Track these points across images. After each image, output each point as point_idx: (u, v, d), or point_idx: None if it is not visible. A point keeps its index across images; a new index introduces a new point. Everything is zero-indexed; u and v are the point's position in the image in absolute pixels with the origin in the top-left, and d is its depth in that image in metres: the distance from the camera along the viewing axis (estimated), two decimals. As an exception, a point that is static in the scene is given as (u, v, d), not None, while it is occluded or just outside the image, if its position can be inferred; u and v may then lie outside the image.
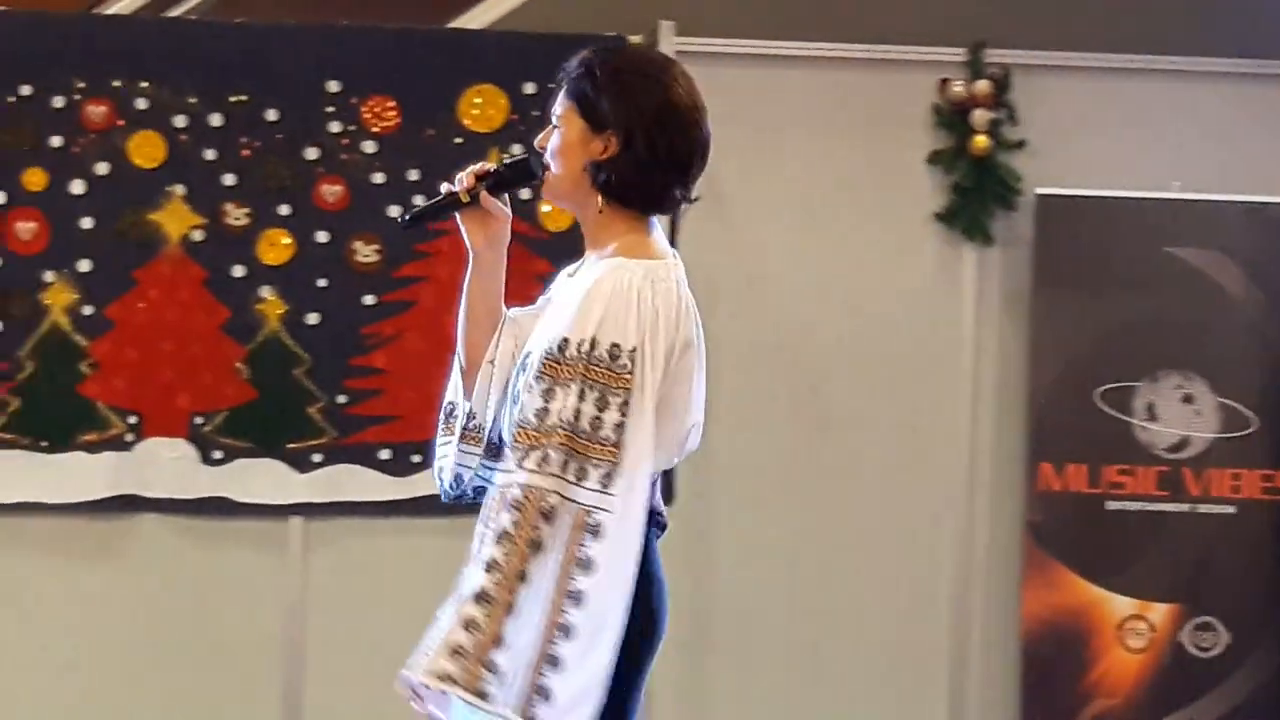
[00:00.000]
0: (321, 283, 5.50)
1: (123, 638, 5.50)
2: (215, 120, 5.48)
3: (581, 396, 3.07)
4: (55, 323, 5.43)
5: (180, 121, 5.46)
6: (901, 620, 5.77)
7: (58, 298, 5.43)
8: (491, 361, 3.27)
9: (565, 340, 3.10)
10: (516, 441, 3.09)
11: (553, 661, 3.03)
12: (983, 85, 5.75)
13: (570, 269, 3.29)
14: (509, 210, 3.32)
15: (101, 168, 5.43)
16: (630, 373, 3.08)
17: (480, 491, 3.29)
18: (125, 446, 5.44)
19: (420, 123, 5.53)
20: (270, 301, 5.50)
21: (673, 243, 5.47)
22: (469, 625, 3.04)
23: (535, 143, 3.26)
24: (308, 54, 5.52)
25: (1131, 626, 5.71)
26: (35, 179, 5.41)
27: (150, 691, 5.51)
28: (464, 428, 3.27)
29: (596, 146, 3.19)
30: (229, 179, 5.49)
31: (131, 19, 6.08)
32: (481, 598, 3.04)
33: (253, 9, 6.31)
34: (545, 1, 5.99)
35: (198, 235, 5.48)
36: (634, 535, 3.08)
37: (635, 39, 5.58)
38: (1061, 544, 5.70)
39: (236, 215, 5.50)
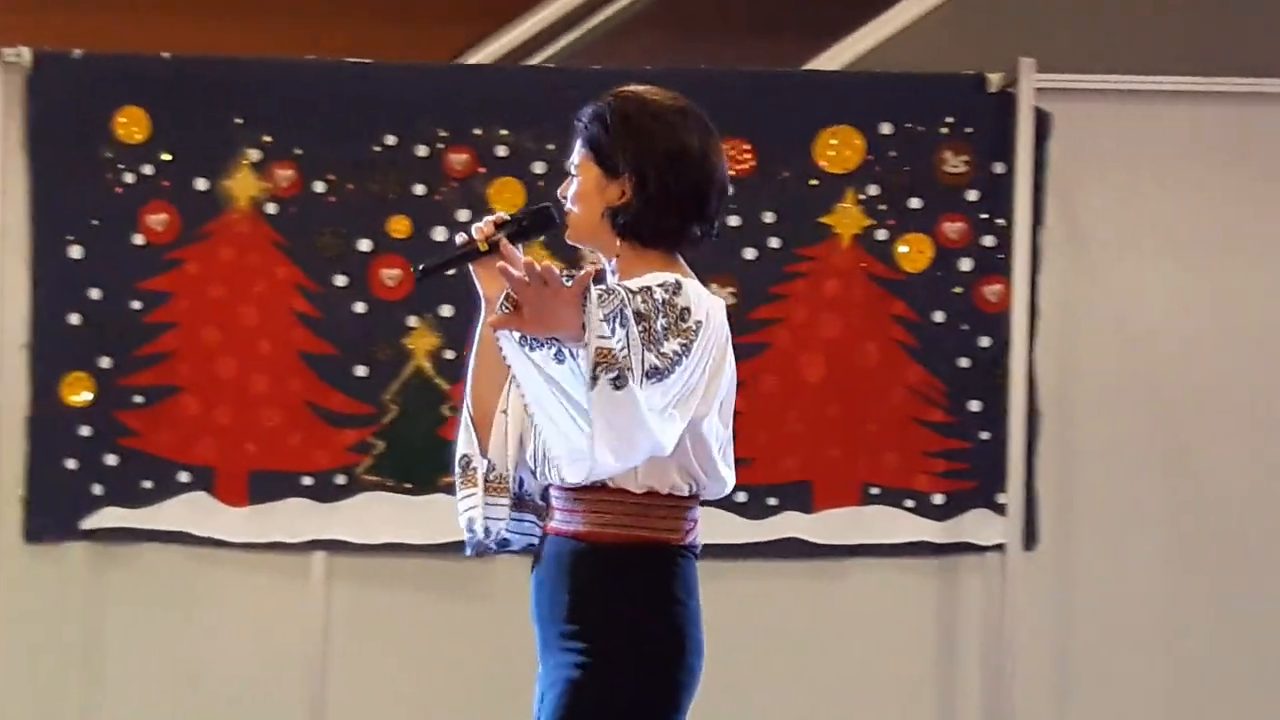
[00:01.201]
0: (677, 326, 5.50)
1: (484, 674, 5.55)
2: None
3: (658, 312, 3.05)
4: (418, 367, 5.53)
5: (539, 168, 5.52)
6: (1276, 673, 5.54)
7: (420, 342, 5.53)
8: (504, 411, 3.27)
9: (648, 285, 3.09)
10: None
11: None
12: (1364, 117, 5.52)
13: None
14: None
15: (463, 214, 5.51)
16: (694, 334, 3.07)
17: (504, 544, 3.29)
18: (484, 489, 5.51)
19: (775, 165, 5.50)
20: (625, 345, 5.52)
21: (1034, 281, 5.49)
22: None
23: (558, 192, 3.29)
24: (664, 98, 5.53)
25: None
26: (400, 226, 5.52)
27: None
28: (486, 479, 3.27)
29: (613, 192, 3.23)
30: (586, 224, 5.53)
31: (491, 69, 6.24)
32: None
33: (609, 56, 6.38)
34: (901, 41, 5.94)
35: (553, 280, 5.53)
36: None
37: (995, 77, 5.49)
38: None
39: (593, 259, 5.51)
